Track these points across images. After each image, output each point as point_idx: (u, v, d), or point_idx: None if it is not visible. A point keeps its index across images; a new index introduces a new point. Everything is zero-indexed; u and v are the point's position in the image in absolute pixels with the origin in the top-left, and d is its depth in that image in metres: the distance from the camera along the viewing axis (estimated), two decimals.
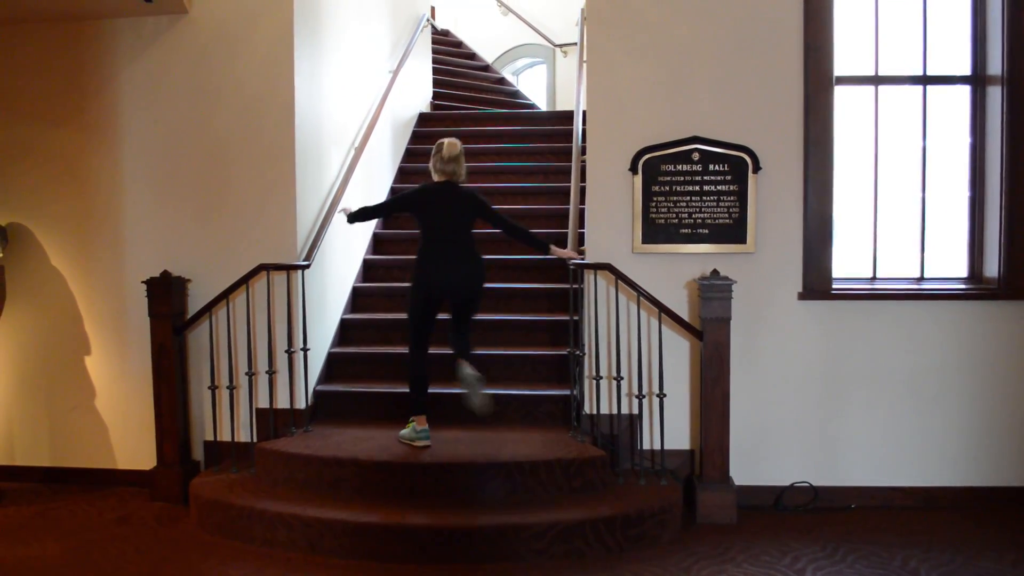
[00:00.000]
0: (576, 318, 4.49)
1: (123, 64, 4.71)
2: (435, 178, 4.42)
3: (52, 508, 4.44)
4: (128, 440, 4.81)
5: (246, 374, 4.46)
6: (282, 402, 4.59)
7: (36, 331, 4.88)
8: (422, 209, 4.37)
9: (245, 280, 4.41)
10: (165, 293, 4.47)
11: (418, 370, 4.39)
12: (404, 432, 4.34)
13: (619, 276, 4.23)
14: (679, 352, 4.43)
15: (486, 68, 10.69)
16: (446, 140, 4.41)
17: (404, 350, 4.75)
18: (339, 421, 4.72)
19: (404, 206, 4.53)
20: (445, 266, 4.30)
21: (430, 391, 4.44)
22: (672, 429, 4.37)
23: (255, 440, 4.46)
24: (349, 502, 3.92)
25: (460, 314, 4.46)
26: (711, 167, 4.40)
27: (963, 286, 4.50)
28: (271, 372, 4.50)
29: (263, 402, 4.57)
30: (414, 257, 4.38)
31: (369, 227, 6.18)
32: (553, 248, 4.45)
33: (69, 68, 4.76)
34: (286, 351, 4.48)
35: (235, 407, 4.55)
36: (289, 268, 4.51)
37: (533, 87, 11.85)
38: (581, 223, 4.78)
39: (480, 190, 6.73)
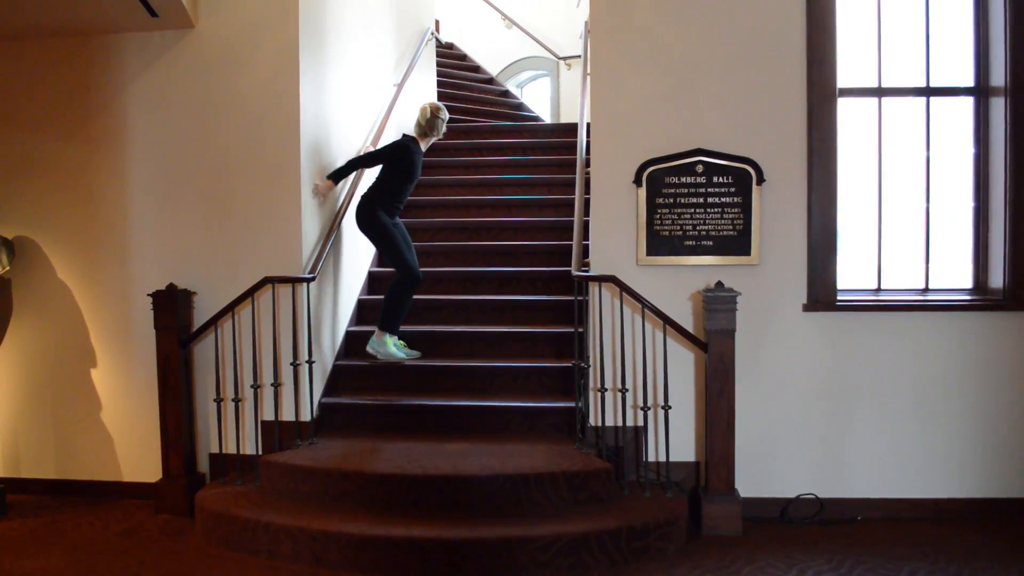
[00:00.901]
0: (581, 330, 4.49)
1: (129, 78, 4.75)
2: None
3: (57, 520, 4.44)
4: (133, 452, 4.81)
5: (251, 387, 4.46)
6: (287, 414, 4.59)
7: (42, 344, 4.90)
8: None
9: (251, 293, 4.43)
10: (171, 306, 4.49)
11: None
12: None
13: (624, 288, 4.23)
14: (684, 364, 4.43)
15: (490, 81, 10.73)
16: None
17: (411, 363, 5.12)
18: (344, 433, 4.71)
19: None
20: None
21: (433, 403, 4.63)
22: (677, 441, 4.36)
23: (260, 452, 4.46)
24: (354, 514, 3.92)
25: None
26: (715, 179, 4.41)
27: (968, 297, 4.49)
28: (276, 384, 4.52)
29: (268, 414, 4.58)
30: None
31: None
32: (316, 183, 4.89)
33: (75, 82, 4.79)
34: (291, 363, 4.48)
35: (240, 419, 4.57)
36: (294, 281, 4.52)
37: (537, 100, 11.90)
38: (585, 235, 4.78)
39: (483, 202, 6.82)
